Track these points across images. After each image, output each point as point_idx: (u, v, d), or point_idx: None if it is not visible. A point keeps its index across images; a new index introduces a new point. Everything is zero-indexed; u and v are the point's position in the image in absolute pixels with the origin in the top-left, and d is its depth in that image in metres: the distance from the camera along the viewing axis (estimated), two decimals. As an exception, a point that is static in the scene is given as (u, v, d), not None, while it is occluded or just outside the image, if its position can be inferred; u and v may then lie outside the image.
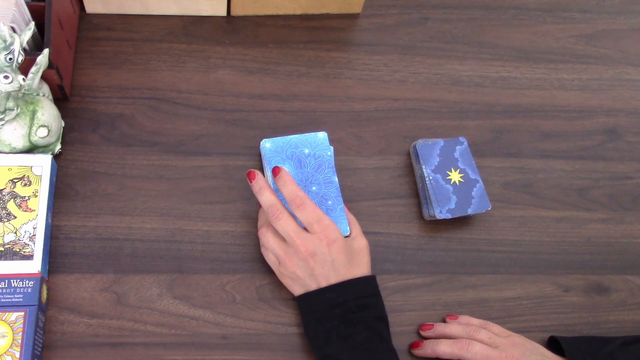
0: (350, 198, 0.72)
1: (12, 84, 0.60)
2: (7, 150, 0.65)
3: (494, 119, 0.80)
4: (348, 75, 0.80)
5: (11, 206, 0.64)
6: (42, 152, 0.67)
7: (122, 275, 0.66)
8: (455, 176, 0.72)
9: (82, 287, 0.65)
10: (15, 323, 0.59)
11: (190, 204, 0.70)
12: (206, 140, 0.73)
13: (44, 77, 0.67)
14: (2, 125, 0.63)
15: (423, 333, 0.67)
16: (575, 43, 0.87)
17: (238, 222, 0.70)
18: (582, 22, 0.89)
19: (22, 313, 0.59)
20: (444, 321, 0.68)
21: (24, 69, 0.63)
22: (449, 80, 0.81)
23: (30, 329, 0.58)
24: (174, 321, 0.65)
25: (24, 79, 0.62)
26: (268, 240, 0.64)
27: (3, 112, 0.63)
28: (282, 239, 0.63)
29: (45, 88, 0.68)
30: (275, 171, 0.64)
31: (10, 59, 0.60)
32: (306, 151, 0.69)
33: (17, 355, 0.57)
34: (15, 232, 0.63)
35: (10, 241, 0.63)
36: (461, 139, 0.74)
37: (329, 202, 0.68)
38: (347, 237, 0.66)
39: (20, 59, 0.61)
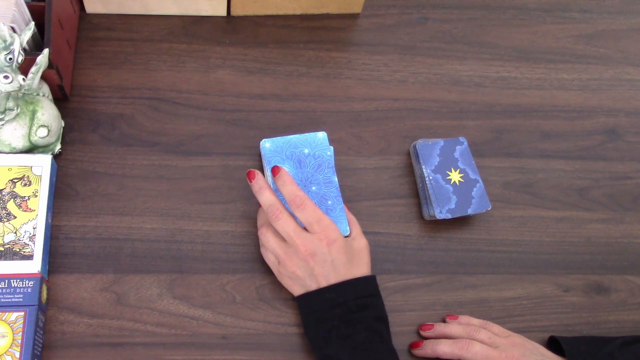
0: (350, 198, 0.72)
1: (12, 84, 0.60)
2: (7, 150, 0.65)
3: (494, 119, 0.80)
4: (348, 75, 0.80)
5: (11, 206, 0.64)
6: (42, 152, 0.67)
7: (122, 275, 0.66)
8: (455, 176, 0.72)
9: (82, 287, 0.65)
10: (15, 323, 0.59)
11: (190, 204, 0.70)
12: (206, 140, 0.73)
13: (44, 77, 0.67)
14: (2, 125, 0.63)
15: (423, 333, 0.67)
16: (575, 43, 0.87)
17: (238, 222, 0.70)
18: (582, 22, 0.89)
19: (22, 313, 0.59)
20: (444, 321, 0.68)
21: (24, 69, 0.63)
22: (449, 80, 0.81)
23: (30, 329, 0.58)
24: (174, 321, 0.65)
25: (24, 79, 0.62)
26: (268, 240, 0.64)
27: (3, 112, 0.63)
28: (282, 239, 0.63)
29: (45, 88, 0.68)
30: (275, 171, 0.64)
31: (10, 59, 0.60)
32: (306, 151, 0.69)
33: (17, 355, 0.57)
34: (15, 232, 0.63)
35: (10, 241, 0.63)
36: (461, 139, 0.74)
37: (329, 202, 0.68)
38: (347, 237, 0.66)
39: (20, 59, 0.61)
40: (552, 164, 0.79)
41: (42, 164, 0.66)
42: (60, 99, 0.72)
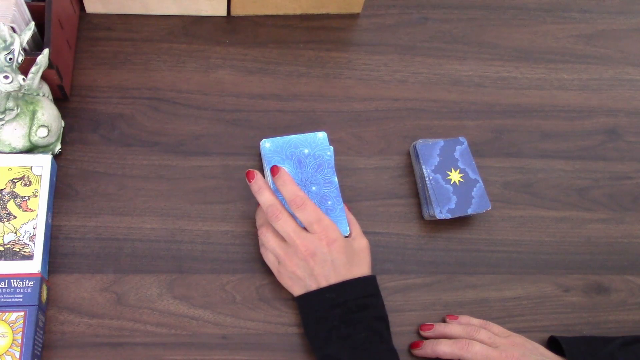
0: (350, 198, 0.72)
1: (12, 84, 0.60)
2: (7, 150, 0.65)
3: (494, 119, 0.80)
4: (348, 75, 0.80)
5: (11, 206, 0.64)
6: (42, 152, 0.67)
7: (122, 275, 0.66)
8: (455, 176, 0.72)
9: (82, 287, 0.65)
10: (15, 323, 0.59)
11: (190, 204, 0.70)
12: (206, 140, 0.73)
13: (44, 77, 0.67)
14: (2, 125, 0.63)
15: (423, 333, 0.67)
16: (575, 43, 0.87)
17: (238, 222, 0.70)
18: (582, 22, 0.89)
19: (22, 313, 0.59)
20: (444, 321, 0.68)
21: (24, 69, 0.63)
22: (449, 80, 0.81)
23: (30, 329, 0.58)
24: (174, 321, 0.65)
25: (24, 79, 0.62)
26: (268, 240, 0.64)
27: (3, 112, 0.63)
28: (282, 238, 0.63)
29: (45, 88, 0.68)
30: (274, 170, 0.64)
31: (10, 59, 0.60)
32: (306, 151, 0.69)
33: (17, 355, 0.57)
34: (15, 232, 0.63)
35: (10, 241, 0.63)
36: (461, 139, 0.74)
37: (329, 203, 0.68)
38: (347, 237, 0.66)
39: (20, 59, 0.61)
40: (552, 164, 0.79)
41: (42, 164, 0.66)
42: (60, 99, 0.72)
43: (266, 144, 0.69)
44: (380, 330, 0.62)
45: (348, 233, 0.67)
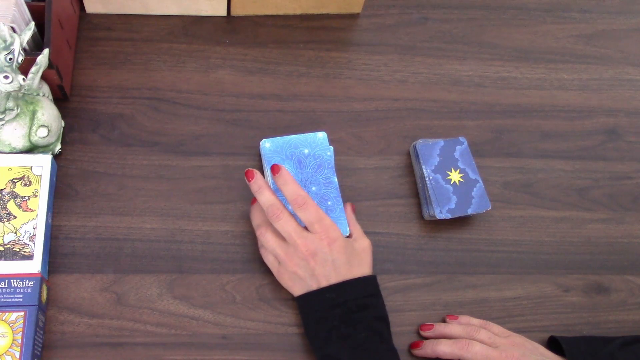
0: (350, 198, 0.72)
1: (12, 84, 0.60)
2: (7, 150, 0.65)
3: (494, 119, 0.80)
4: (348, 75, 0.80)
5: (11, 206, 0.64)
6: (42, 152, 0.67)
7: (122, 275, 0.66)
8: (455, 176, 0.72)
9: (82, 287, 0.65)
10: (15, 323, 0.59)
11: (190, 204, 0.70)
12: (206, 140, 0.73)
13: (44, 77, 0.67)
14: (2, 125, 0.63)
15: (423, 333, 0.67)
16: (575, 43, 0.87)
17: (238, 222, 0.70)
18: (582, 22, 0.89)
19: (22, 313, 0.59)
20: (444, 321, 0.68)
21: (24, 69, 0.63)
22: (449, 80, 0.81)
23: (30, 329, 0.58)
24: (174, 321, 0.65)
25: (24, 79, 0.62)
26: (268, 240, 0.64)
27: (3, 112, 0.63)
28: (282, 238, 0.63)
29: (45, 88, 0.68)
30: (275, 169, 0.63)
31: (10, 59, 0.60)
32: (306, 151, 0.69)
33: (17, 355, 0.57)
34: (15, 232, 0.63)
35: (10, 241, 0.63)
36: (461, 139, 0.74)
37: (329, 203, 0.68)
38: (347, 237, 0.66)
39: (20, 59, 0.61)
40: (552, 164, 0.79)
41: (42, 164, 0.66)
42: (60, 99, 0.72)
43: (266, 144, 0.69)
44: (380, 330, 0.62)
45: (348, 233, 0.67)
